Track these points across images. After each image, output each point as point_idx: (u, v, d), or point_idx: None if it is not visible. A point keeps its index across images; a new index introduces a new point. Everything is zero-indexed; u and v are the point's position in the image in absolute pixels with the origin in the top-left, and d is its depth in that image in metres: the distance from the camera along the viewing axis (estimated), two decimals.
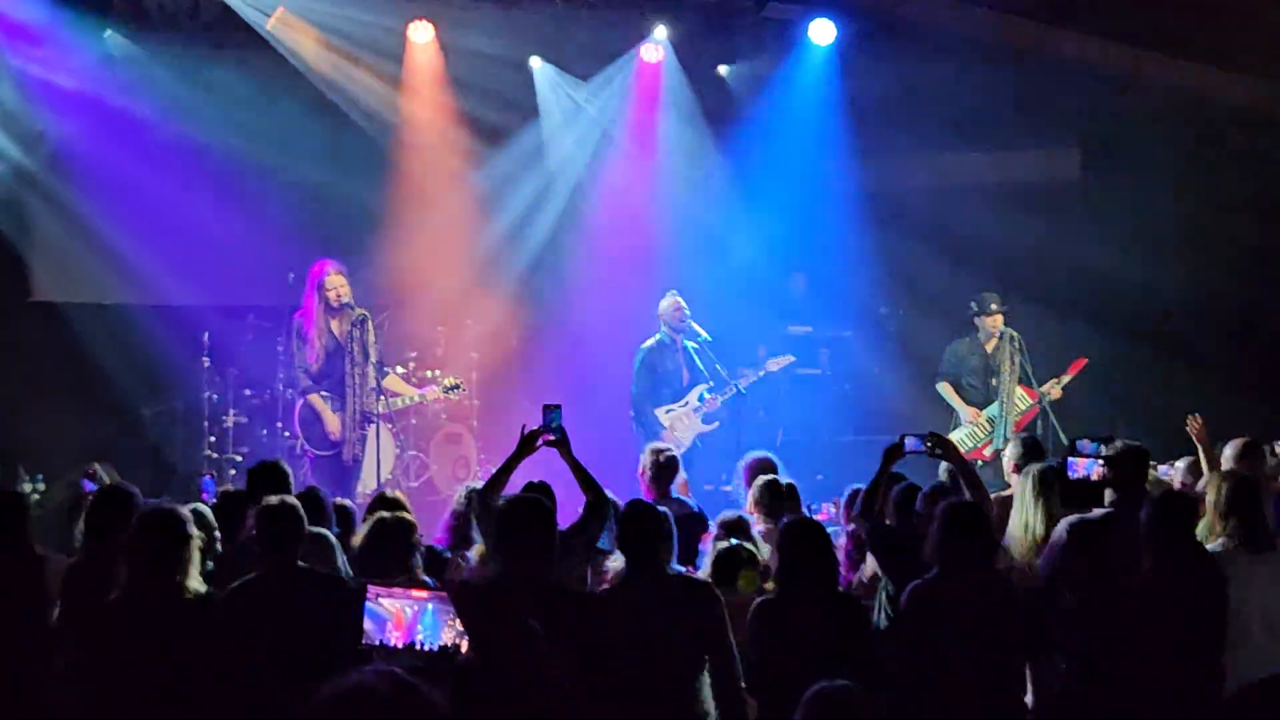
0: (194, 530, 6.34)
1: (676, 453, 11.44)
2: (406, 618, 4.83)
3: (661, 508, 6.72)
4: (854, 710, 4.66)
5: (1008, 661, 6.43)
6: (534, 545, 6.03)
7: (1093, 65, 14.73)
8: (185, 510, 6.53)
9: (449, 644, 4.58)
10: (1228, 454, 8.79)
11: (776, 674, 6.23)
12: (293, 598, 6.39)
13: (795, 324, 15.35)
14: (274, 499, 6.74)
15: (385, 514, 7.37)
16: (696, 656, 6.33)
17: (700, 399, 12.67)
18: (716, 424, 12.87)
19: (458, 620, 4.37)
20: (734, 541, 7.67)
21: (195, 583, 6.29)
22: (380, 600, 4.83)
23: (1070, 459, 7.34)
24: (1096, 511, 7.15)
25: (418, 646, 4.75)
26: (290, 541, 6.55)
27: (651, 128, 15.57)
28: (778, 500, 8.55)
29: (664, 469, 9.09)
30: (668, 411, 12.60)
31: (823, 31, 14.97)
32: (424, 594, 4.68)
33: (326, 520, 8.06)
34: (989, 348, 12.80)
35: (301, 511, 6.70)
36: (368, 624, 4.81)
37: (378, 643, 4.81)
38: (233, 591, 6.53)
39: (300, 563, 6.51)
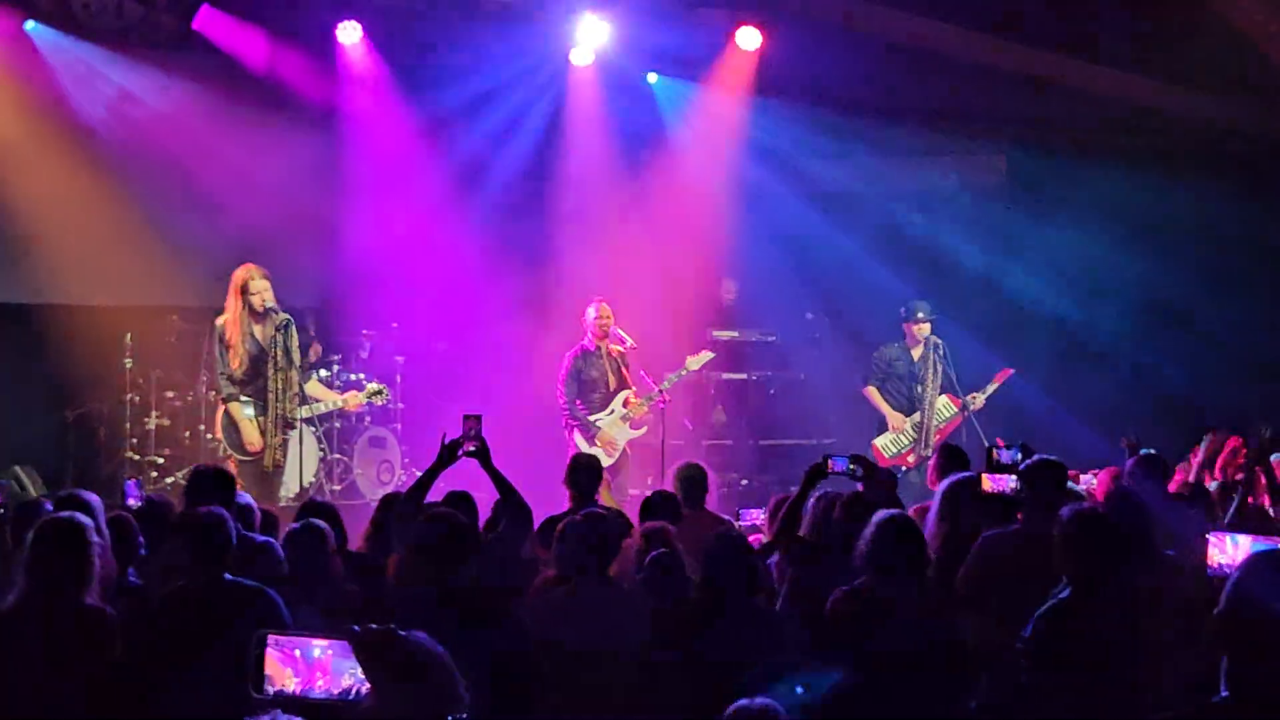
0: (94, 539, 6.20)
1: (600, 458, 11.46)
2: (305, 664, 4.76)
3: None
4: None
5: (938, 670, 6.43)
6: (448, 563, 5.99)
7: (1019, 72, 14.82)
8: (86, 520, 6.39)
9: (348, 689, 4.53)
10: (1128, 467, 8.87)
11: (696, 686, 6.22)
12: (215, 611, 6.31)
13: (721, 329, 15.39)
14: (203, 509, 6.67)
15: (295, 525, 7.31)
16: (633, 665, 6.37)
17: (624, 404, 12.68)
18: (645, 429, 12.88)
19: (358, 668, 4.33)
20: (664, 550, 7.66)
21: (94, 596, 6.15)
22: (279, 646, 4.76)
23: (986, 474, 7.34)
24: (1010, 527, 7.22)
25: (316, 694, 4.69)
26: (218, 553, 6.48)
27: (580, 132, 15.54)
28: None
29: (580, 476, 9.04)
30: (596, 420, 12.61)
31: (749, 37, 15.00)
32: (324, 641, 4.62)
33: (252, 528, 8.01)
34: (915, 355, 12.86)
35: (230, 523, 6.64)
36: (266, 669, 4.74)
37: (276, 690, 4.74)
38: (154, 602, 6.46)
39: (227, 575, 6.44)
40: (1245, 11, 13.32)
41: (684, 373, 13.02)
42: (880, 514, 6.74)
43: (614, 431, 12.64)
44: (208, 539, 6.45)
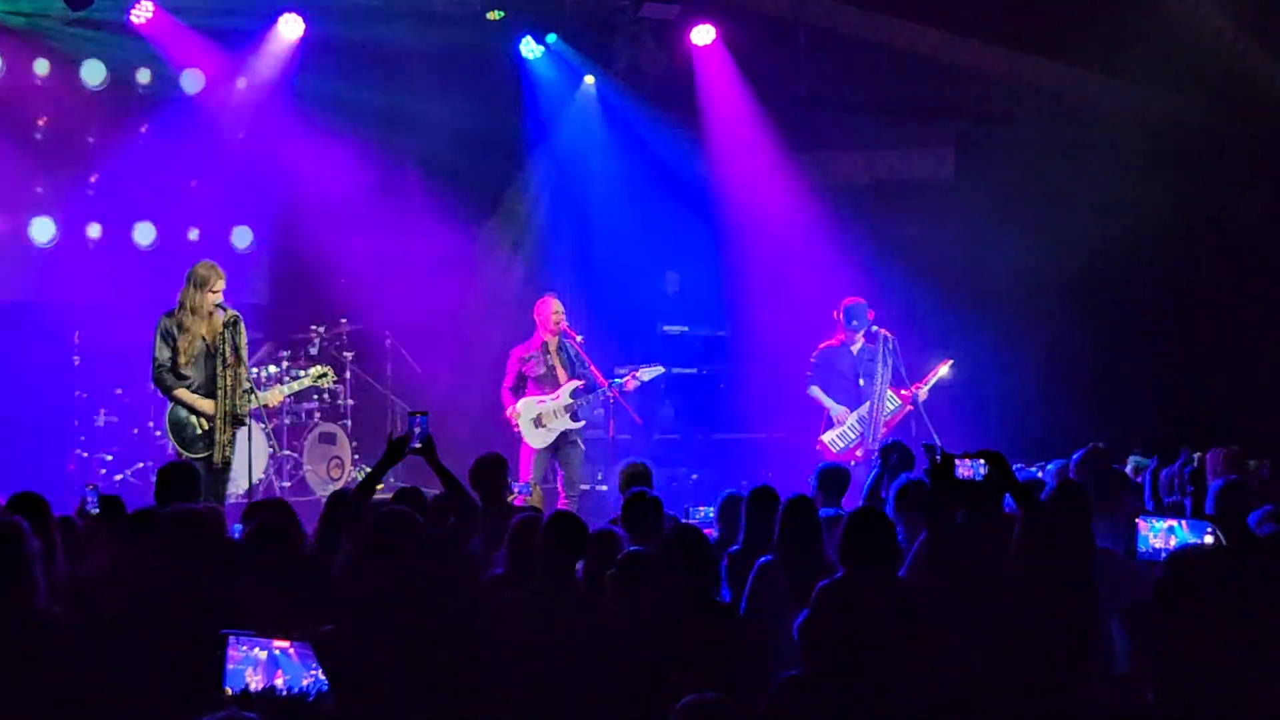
0: (32, 541, 6.12)
1: (539, 440, 11.39)
2: (266, 663, 4.79)
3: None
4: None
5: (909, 660, 6.45)
6: (404, 559, 5.98)
7: (968, 67, 14.89)
8: (24, 522, 6.34)
9: (308, 688, 4.55)
10: (1073, 460, 8.92)
11: (654, 683, 6.21)
12: (186, 608, 6.29)
13: (670, 324, 15.39)
14: (183, 507, 6.69)
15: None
16: (590, 664, 6.35)
17: (573, 395, 12.52)
18: (584, 423, 12.71)
19: (319, 669, 4.36)
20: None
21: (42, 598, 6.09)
22: (240, 645, 4.79)
23: (958, 460, 7.27)
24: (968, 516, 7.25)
25: (277, 693, 4.71)
26: (201, 550, 6.49)
27: (526, 126, 15.53)
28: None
29: (473, 478, 8.98)
30: (539, 402, 12.42)
31: (701, 33, 15.01)
32: (285, 642, 4.65)
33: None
34: (855, 350, 12.82)
35: (208, 521, 6.66)
36: (227, 668, 4.77)
37: (239, 689, 4.76)
38: (125, 597, 6.45)
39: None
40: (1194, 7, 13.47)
41: (634, 383, 12.78)
42: (852, 509, 6.81)
43: (551, 418, 12.44)
44: (188, 536, 6.47)
